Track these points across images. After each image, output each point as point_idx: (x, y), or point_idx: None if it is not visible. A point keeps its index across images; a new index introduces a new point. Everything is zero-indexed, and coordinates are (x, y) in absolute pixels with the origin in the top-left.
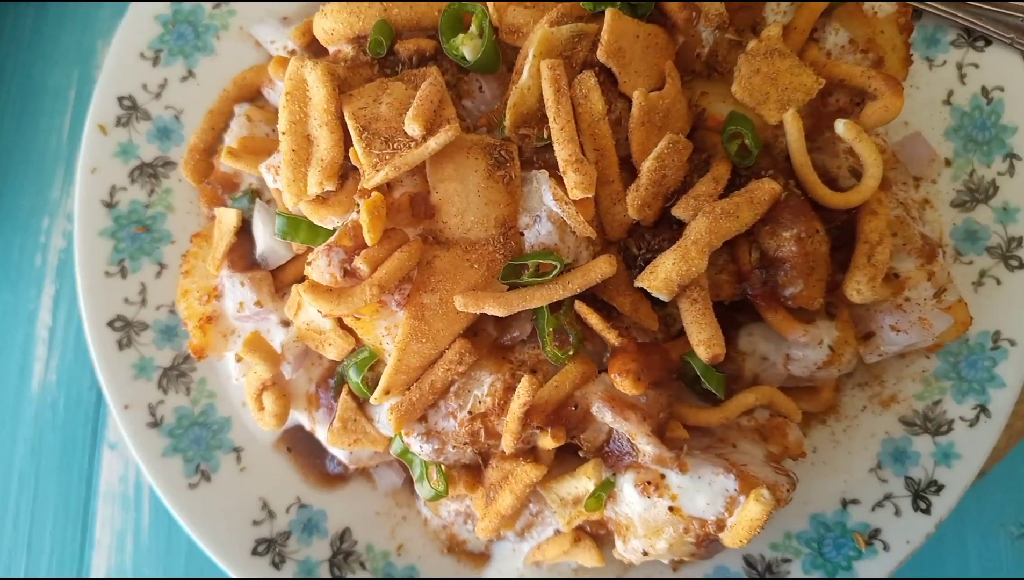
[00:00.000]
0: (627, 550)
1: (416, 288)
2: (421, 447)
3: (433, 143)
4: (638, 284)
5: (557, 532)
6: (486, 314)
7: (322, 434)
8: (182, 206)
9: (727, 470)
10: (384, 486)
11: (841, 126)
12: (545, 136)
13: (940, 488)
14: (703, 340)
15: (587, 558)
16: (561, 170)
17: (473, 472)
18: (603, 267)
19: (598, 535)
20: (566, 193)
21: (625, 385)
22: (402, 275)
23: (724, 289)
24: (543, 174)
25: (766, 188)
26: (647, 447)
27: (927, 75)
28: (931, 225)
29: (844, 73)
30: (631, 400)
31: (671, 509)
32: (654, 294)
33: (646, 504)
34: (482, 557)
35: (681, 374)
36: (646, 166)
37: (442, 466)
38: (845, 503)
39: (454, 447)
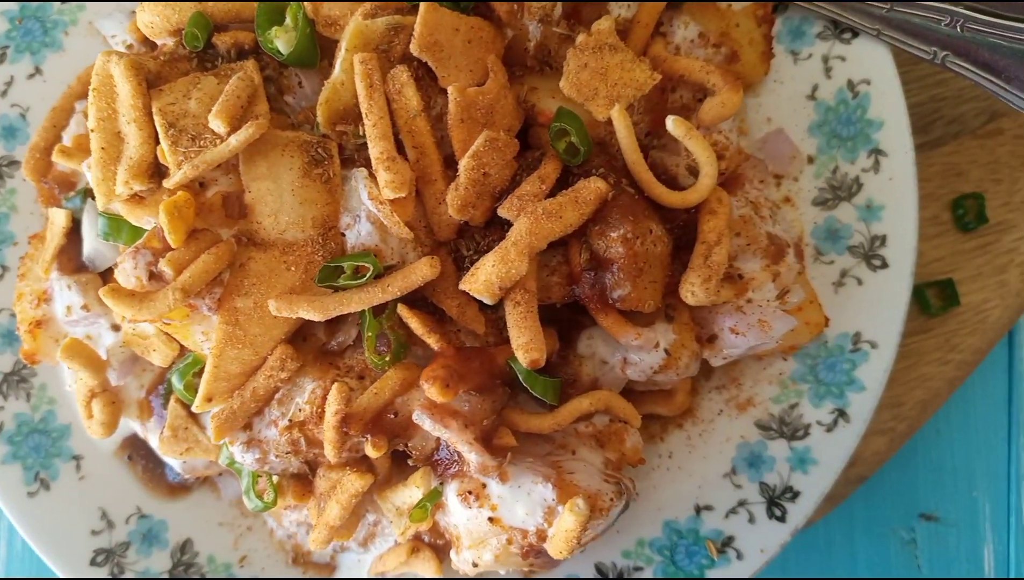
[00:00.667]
0: (459, 561)
1: (228, 292)
2: (243, 456)
3: (235, 140)
4: (461, 287)
5: (398, 543)
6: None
7: (154, 442)
8: (25, 207)
9: (545, 479)
10: (229, 495)
11: (671, 123)
12: (362, 133)
13: (796, 495)
14: (522, 344)
15: (425, 569)
16: (374, 168)
17: (303, 482)
18: (424, 269)
19: (437, 545)
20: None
21: (432, 392)
22: (209, 278)
23: (555, 291)
24: (361, 172)
25: (592, 187)
26: (470, 455)
27: (791, 69)
28: (791, 224)
29: (683, 68)
30: (453, 407)
31: (491, 520)
32: (476, 297)
33: (469, 514)
34: (328, 568)
35: (516, 379)
36: (463, 164)
37: (272, 476)
38: (699, 509)
39: (277, 456)
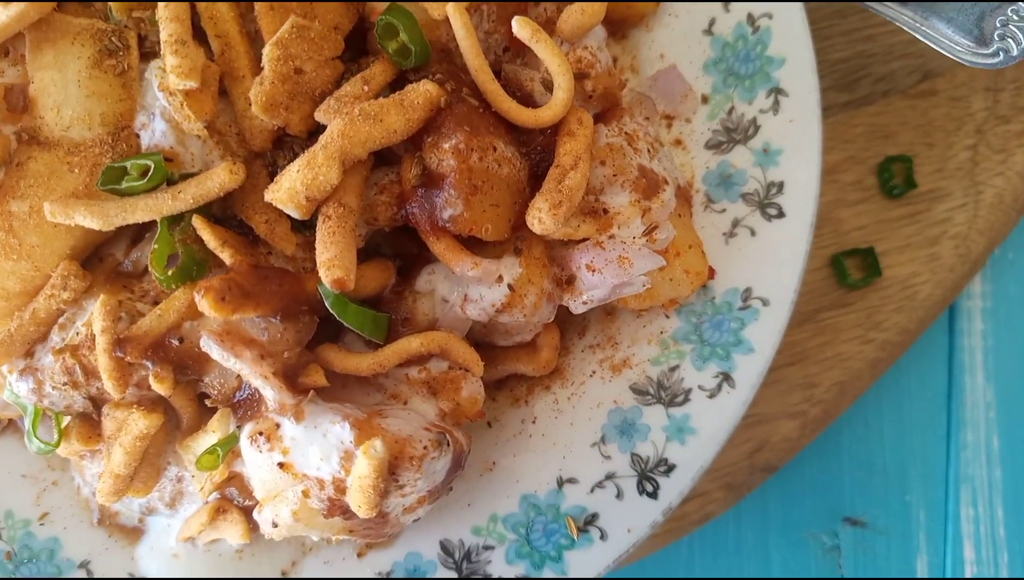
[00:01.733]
0: (261, 519)
1: (2, 192)
2: (19, 386)
3: (4, 15)
4: (265, 198)
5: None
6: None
7: None
8: None
9: (344, 418)
10: None
11: (516, 23)
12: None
13: (670, 468)
14: (325, 260)
15: (232, 533)
16: (161, 54)
17: (92, 424)
18: (223, 176)
19: (249, 507)
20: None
21: (204, 305)
22: None
23: (381, 212)
24: (156, 63)
25: (421, 90)
26: (266, 391)
27: (683, 6)
28: (681, 169)
29: None
30: (249, 334)
31: (281, 465)
32: (282, 209)
33: (260, 460)
34: (135, 532)
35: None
36: (266, 52)
37: (60, 416)
38: (562, 482)
39: (54, 388)
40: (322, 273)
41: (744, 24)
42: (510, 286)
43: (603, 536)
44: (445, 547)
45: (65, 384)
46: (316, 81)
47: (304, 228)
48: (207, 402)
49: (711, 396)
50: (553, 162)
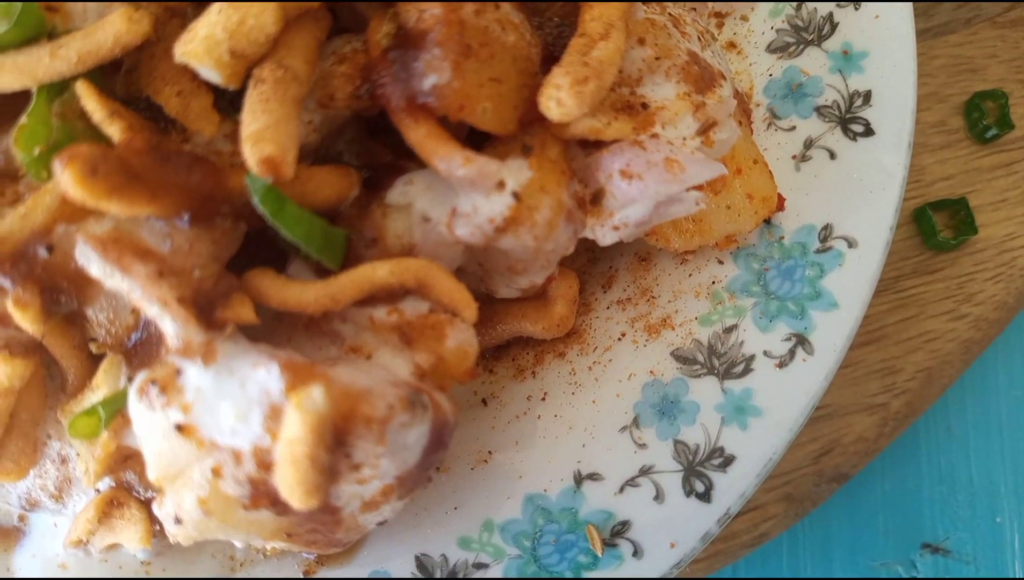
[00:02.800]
0: (161, 513)
1: None
2: None
3: None
4: (176, 56)
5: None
6: None
7: None
8: None
9: (271, 359)
10: None
11: None
12: None
13: (728, 461)
14: (253, 132)
15: (129, 537)
16: None
17: None
18: (119, 25)
19: (150, 497)
20: None
21: (65, 177)
22: None
23: (339, 87)
24: None
25: None
26: (166, 324)
27: None
28: (738, 78)
29: None
30: (145, 244)
31: (180, 429)
32: (197, 68)
33: (152, 422)
34: (14, 534)
35: (271, 230)
36: None
37: None
38: (580, 479)
39: None
40: (246, 150)
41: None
42: (515, 195)
43: (637, 552)
44: (422, 564)
45: None
46: None
47: (234, 112)
48: (93, 348)
49: (781, 365)
50: (576, 31)
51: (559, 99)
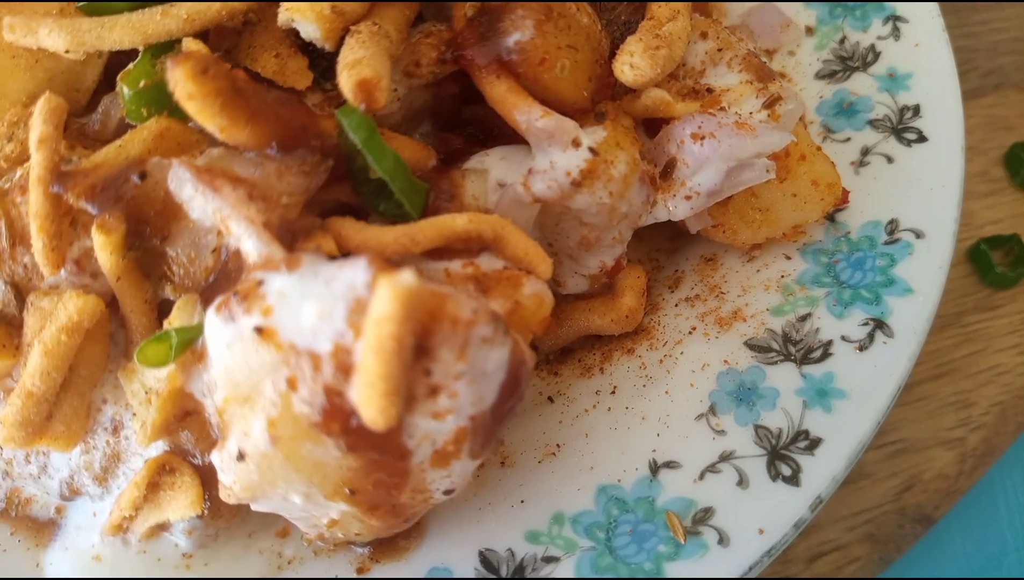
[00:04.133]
0: (221, 459)
1: None
2: None
3: None
4: (281, 12)
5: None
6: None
7: None
8: None
9: (357, 257)
10: None
11: None
12: None
13: (815, 443)
14: (349, 61)
15: (178, 507)
16: None
17: (10, 332)
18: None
19: (205, 467)
20: None
21: (177, 73)
22: None
23: (424, 54)
24: None
25: None
26: (250, 243)
27: None
28: None
29: None
30: (236, 172)
31: (259, 332)
32: (299, 22)
33: (228, 337)
34: (48, 528)
35: (355, 177)
36: None
37: None
38: (656, 467)
39: None
40: (343, 78)
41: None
42: (592, 149)
43: (723, 540)
44: (486, 560)
45: None
46: None
47: (323, 83)
48: (169, 290)
49: (861, 348)
50: (645, 18)
51: (632, 63)
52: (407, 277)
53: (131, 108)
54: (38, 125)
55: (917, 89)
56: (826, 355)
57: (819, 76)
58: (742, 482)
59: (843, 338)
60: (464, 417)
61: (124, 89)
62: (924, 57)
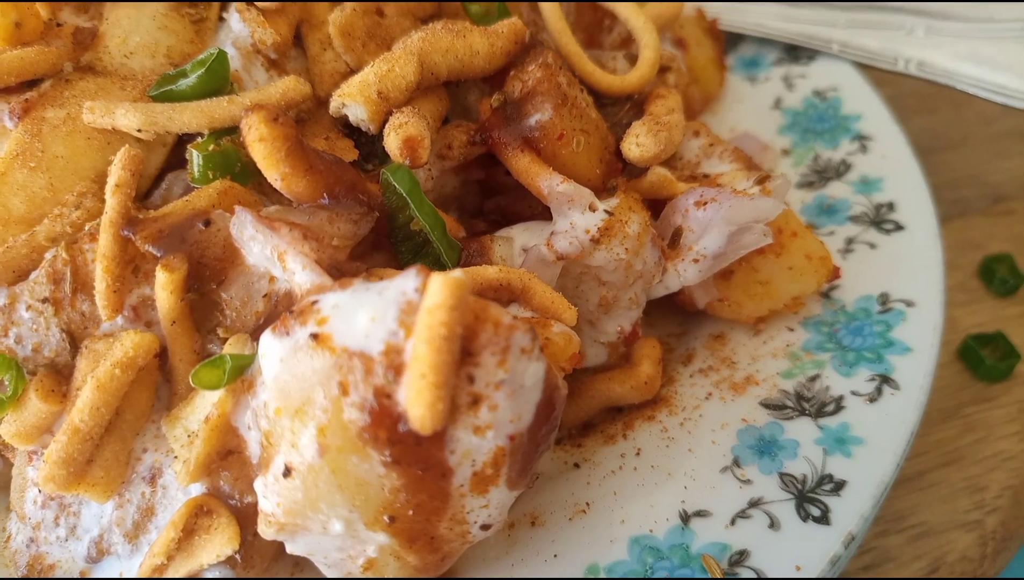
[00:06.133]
0: (264, 485)
1: (42, 100)
2: None
3: None
4: (334, 97)
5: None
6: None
7: None
8: None
9: (406, 271)
10: None
11: None
12: None
13: (839, 485)
14: (396, 123)
15: (214, 548)
16: None
17: (59, 379)
18: (288, 83)
19: (242, 507)
20: (253, 8)
21: (252, 120)
22: (22, 71)
23: (456, 138)
24: (236, 4)
25: (507, 22)
26: (304, 275)
27: (749, 90)
28: None
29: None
30: (290, 217)
31: (315, 338)
32: (348, 105)
33: (282, 350)
34: None
35: (396, 234)
36: None
37: (17, 365)
38: (687, 517)
39: (28, 309)
40: (391, 138)
41: (812, 97)
42: (607, 211)
43: (760, 579)
44: None
45: (45, 301)
46: (394, 30)
47: (365, 163)
48: (219, 333)
49: (871, 400)
50: (645, 114)
51: (639, 141)
52: (458, 273)
53: (200, 171)
54: (116, 171)
55: (889, 189)
56: (839, 408)
57: (799, 185)
58: (773, 525)
59: (853, 393)
60: (503, 435)
61: (194, 154)
62: (892, 164)
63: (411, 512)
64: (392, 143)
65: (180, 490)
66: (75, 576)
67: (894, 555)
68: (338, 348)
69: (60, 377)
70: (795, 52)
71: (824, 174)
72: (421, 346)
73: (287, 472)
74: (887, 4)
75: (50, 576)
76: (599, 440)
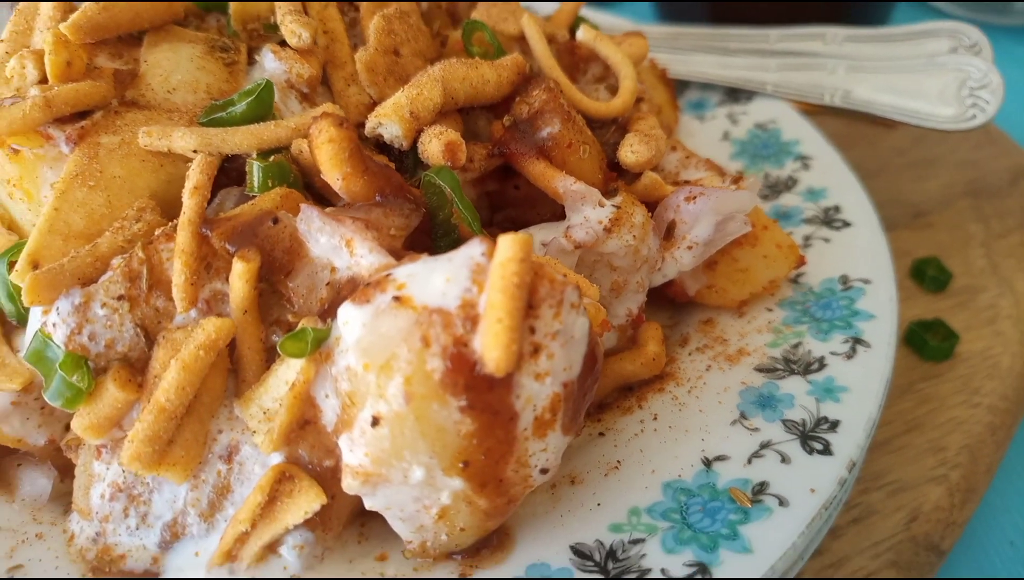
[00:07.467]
0: (351, 440)
1: (96, 127)
2: (56, 325)
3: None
4: (371, 120)
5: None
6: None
7: None
8: None
9: (470, 241)
10: (27, 493)
11: (580, 31)
12: (272, 21)
13: (835, 424)
14: (437, 131)
15: (298, 510)
16: (279, 21)
17: (133, 371)
18: (328, 110)
19: (321, 469)
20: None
21: (321, 124)
22: (77, 102)
23: (476, 152)
24: (268, 46)
25: (509, 57)
26: (368, 258)
27: (700, 126)
28: None
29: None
30: (351, 212)
31: (397, 300)
32: (384, 124)
33: (364, 316)
34: (144, 576)
35: (436, 230)
36: (374, 24)
37: (87, 363)
38: (709, 462)
39: (103, 306)
40: (433, 143)
41: (754, 129)
42: (615, 206)
43: (782, 502)
44: (579, 552)
45: (120, 298)
46: (408, 68)
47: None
48: (288, 316)
49: (848, 357)
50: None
51: (633, 149)
52: (522, 235)
53: (260, 180)
54: (194, 176)
55: (832, 196)
56: (822, 366)
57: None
58: (785, 460)
59: (832, 353)
60: (559, 382)
61: (255, 166)
62: (831, 176)
63: (483, 456)
64: (435, 147)
65: (257, 463)
66: (146, 563)
67: (877, 508)
68: (419, 306)
69: (133, 370)
70: (735, 94)
71: (776, 188)
72: (496, 295)
73: (375, 422)
74: (809, 48)
75: (120, 566)
76: (617, 413)
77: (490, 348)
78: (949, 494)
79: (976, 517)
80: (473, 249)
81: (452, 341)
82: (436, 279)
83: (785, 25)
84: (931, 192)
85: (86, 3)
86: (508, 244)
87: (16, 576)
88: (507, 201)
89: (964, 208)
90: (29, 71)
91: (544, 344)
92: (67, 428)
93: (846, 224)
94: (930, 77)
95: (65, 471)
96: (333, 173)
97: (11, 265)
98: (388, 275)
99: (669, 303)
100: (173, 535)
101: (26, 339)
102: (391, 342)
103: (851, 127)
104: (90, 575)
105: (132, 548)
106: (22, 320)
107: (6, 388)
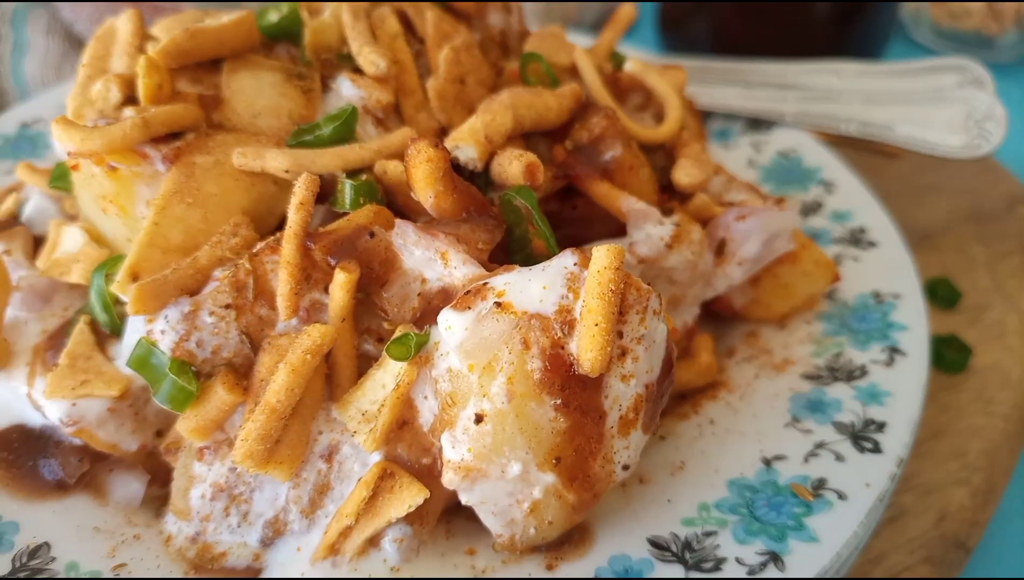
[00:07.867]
0: (454, 438)
1: (189, 148)
2: (164, 332)
3: (226, 18)
4: (448, 143)
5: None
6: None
7: (39, 389)
8: None
9: (562, 252)
10: (120, 497)
11: (629, 64)
12: (345, 51)
13: (882, 425)
14: (517, 153)
15: (400, 505)
16: (355, 53)
17: (239, 374)
18: (407, 133)
19: (420, 467)
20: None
21: (419, 145)
22: (172, 124)
23: (543, 177)
24: (343, 74)
25: (567, 86)
26: (462, 269)
27: (725, 153)
28: None
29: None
30: (442, 228)
31: (499, 306)
32: (461, 147)
33: (466, 321)
34: (247, 572)
35: (513, 246)
36: (443, 55)
37: (192, 368)
38: (768, 462)
39: (211, 314)
40: (514, 165)
41: (778, 157)
42: (675, 223)
43: (841, 496)
44: (656, 543)
45: (227, 307)
46: (472, 96)
47: None
48: (384, 324)
49: (887, 365)
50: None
51: (687, 172)
52: (615, 245)
53: (352, 198)
54: (300, 192)
55: (857, 218)
56: (864, 373)
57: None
58: (839, 459)
59: (872, 362)
60: (641, 384)
61: (347, 184)
62: (855, 200)
63: (573, 452)
64: (515, 168)
65: (356, 462)
66: (248, 559)
67: (909, 508)
68: (519, 311)
69: (239, 374)
70: (757, 124)
71: (803, 211)
72: (592, 300)
73: (479, 419)
74: (825, 82)
75: (221, 564)
76: (674, 419)
77: (586, 350)
78: (973, 495)
79: (992, 518)
80: (566, 260)
81: (550, 343)
82: (534, 287)
83: (798, 60)
84: (935, 217)
85: (173, 27)
86: (604, 254)
87: (122, 576)
88: (565, 221)
89: (967, 232)
90: (113, 93)
91: (630, 348)
92: (158, 434)
93: (872, 244)
94: (939, 109)
95: (155, 476)
96: (427, 191)
97: (108, 277)
98: (486, 284)
99: (712, 317)
100: (275, 532)
101: (124, 347)
102: (494, 344)
103: (857, 157)
104: (193, 573)
105: (233, 545)
106: (115, 330)
107: (105, 395)
